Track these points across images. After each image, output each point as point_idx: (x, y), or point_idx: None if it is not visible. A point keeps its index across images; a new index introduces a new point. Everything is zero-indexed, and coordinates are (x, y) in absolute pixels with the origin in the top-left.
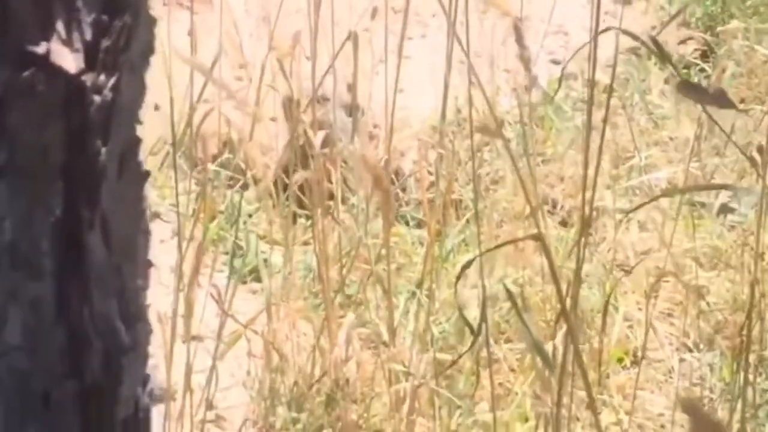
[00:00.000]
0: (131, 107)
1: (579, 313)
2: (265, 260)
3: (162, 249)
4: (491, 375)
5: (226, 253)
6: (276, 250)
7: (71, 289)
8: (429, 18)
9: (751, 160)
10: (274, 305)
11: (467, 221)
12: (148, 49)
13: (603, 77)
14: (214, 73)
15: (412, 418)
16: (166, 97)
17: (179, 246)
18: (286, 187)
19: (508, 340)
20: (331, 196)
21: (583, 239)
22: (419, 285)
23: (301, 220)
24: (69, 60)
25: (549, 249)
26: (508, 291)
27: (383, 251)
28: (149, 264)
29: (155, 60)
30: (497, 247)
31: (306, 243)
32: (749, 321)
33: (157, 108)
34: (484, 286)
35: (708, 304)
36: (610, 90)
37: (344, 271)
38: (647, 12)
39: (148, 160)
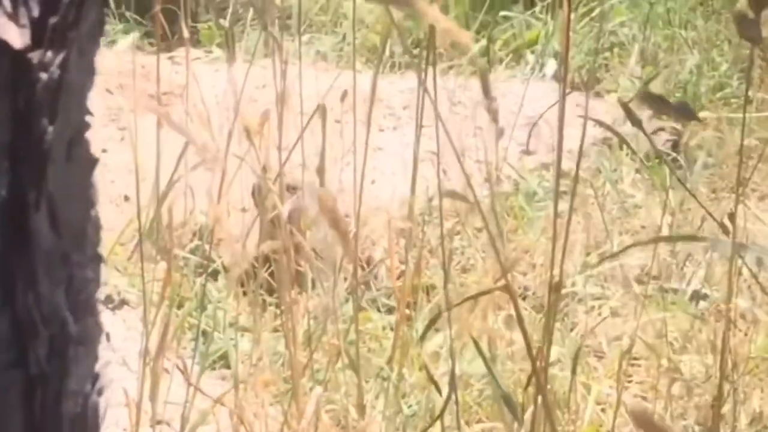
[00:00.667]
0: (80, 89)
1: (551, 394)
2: (234, 345)
3: (129, 336)
4: None
5: (194, 340)
6: (245, 336)
7: (17, 274)
8: (400, 110)
9: (722, 226)
10: (242, 383)
11: (438, 305)
12: (98, 30)
13: (574, 167)
14: (182, 161)
15: None
16: (134, 188)
17: (145, 323)
18: (256, 275)
19: (479, 421)
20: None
21: (553, 310)
22: (389, 362)
23: (271, 308)
24: (15, 35)
25: (516, 298)
26: (475, 342)
27: (353, 332)
28: (99, 258)
29: (124, 151)
30: (466, 299)
31: (275, 330)
32: (720, 396)
33: (126, 199)
34: (452, 342)
35: (683, 382)
36: (575, 178)
37: (312, 347)
38: (618, 105)
39: (116, 249)
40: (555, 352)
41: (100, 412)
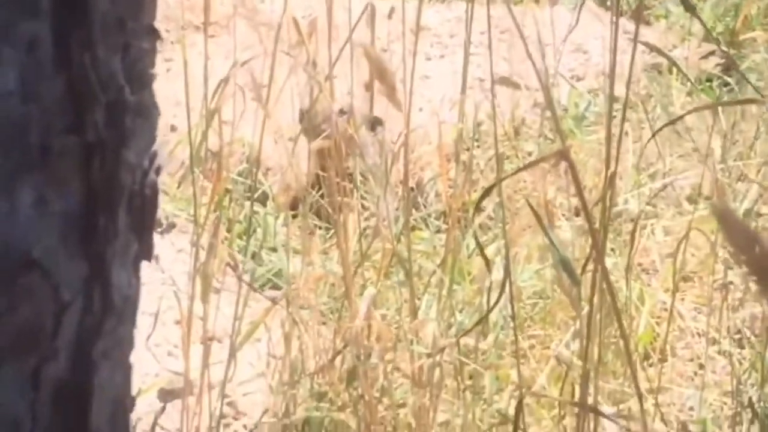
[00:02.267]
0: None
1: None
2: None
3: (178, 258)
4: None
5: (243, 262)
6: (295, 258)
7: (72, 35)
8: (447, 39)
9: None
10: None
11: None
12: None
13: (624, 92)
14: (230, 86)
15: (436, 392)
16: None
17: (194, 243)
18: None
19: (532, 336)
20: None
21: (607, 196)
22: (441, 264)
23: (320, 232)
24: None
25: (574, 164)
26: (530, 205)
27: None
28: (155, 31)
29: (169, 81)
30: (520, 170)
31: (324, 252)
32: None
33: (173, 129)
34: (507, 246)
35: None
36: (626, 101)
37: (364, 252)
38: (667, 31)
39: (164, 178)
40: (608, 263)
41: (157, 192)
